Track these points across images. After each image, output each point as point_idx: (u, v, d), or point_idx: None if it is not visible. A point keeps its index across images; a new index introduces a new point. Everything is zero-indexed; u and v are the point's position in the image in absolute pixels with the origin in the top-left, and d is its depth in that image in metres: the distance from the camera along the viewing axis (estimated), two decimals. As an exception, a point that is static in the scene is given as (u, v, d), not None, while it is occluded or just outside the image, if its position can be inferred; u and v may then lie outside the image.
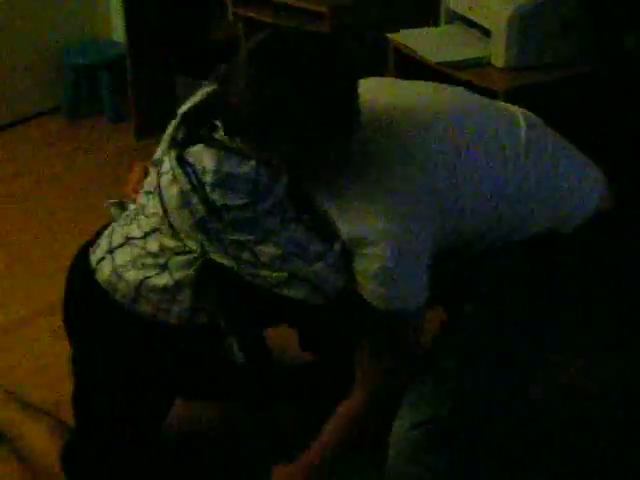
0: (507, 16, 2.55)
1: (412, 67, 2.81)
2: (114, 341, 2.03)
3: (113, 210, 2.06)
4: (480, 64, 2.66)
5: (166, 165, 1.79)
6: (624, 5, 2.59)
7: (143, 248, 1.91)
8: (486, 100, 1.91)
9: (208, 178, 1.72)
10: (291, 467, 2.01)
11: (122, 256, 1.95)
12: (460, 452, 1.87)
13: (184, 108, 1.84)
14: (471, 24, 2.81)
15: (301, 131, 1.63)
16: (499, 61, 2.62)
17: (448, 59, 2.64)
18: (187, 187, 1.74)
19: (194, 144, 1.75)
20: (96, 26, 4.46)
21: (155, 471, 2.15)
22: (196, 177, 1.73)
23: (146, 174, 2.00)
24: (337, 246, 1.76)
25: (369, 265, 1.71)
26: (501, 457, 2.11)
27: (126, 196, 2.05)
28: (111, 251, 1.97)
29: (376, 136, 1.72)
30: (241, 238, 1.75)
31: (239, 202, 1.72)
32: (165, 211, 1.81)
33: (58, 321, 2.53)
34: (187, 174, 1.73)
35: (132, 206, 2.00)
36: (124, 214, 2.02)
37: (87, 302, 2.06)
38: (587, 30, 2.63)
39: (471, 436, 1.87)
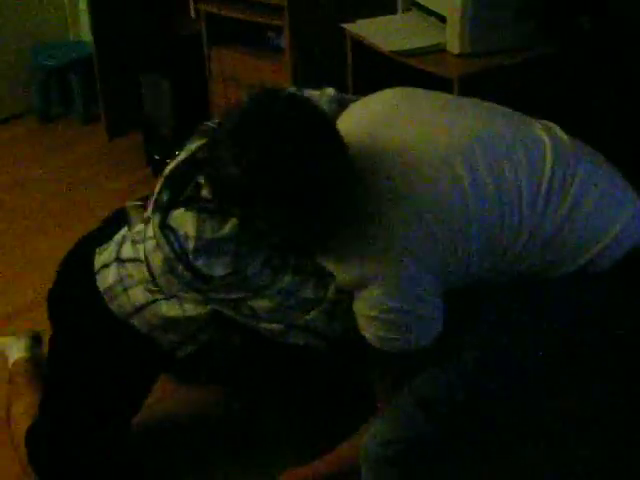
0: (461, 2, 2.53)
1: (370, 57, 2.80)
2: (99, 339, 2.03)
3: (131, 212, 2.00)
4: (436, 51, 2.64)
5: (150, 231, 1.79)
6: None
7: None
8: (509, 121, 1.78)
9: (191, 245, 1.72)
10: (304, 470, 2.05)
11: (132, 271, 1.92)
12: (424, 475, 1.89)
13: (168, 169, 1.81)
14: (428, 11, 2.79)
15: (291, 205, 1.58)
16: (454, 47, 2.60)
17: (402, 47, 2.62)
18: (171, 255, 1.75)
19: (179, 206, 1.75)
20: (65, 27, 4.46)
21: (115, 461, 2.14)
22: (179, 244, 1.74)
23: None
24: (331, 291, 1.75)
25: (364, 307, 1.68)
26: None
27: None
28: (121, 261, 1.95)
29: (368, 181, 1.65)
30: (233, 297, 1.77)
31: (223, 273, 1.72)
32: (152, 276, 1.82)
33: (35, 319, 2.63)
34: (169, 242, 1.74)
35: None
36: (137, 227, 1.94)
37: (81, 300, 2.05)
38: (541, 14, 2.61)
39: (436, 460, 1.89)
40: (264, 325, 1.81)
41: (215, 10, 3.32)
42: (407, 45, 2.63)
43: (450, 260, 1.63)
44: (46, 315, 2.51)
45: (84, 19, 4.37)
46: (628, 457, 2.22)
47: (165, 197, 1.77)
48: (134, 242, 1.92)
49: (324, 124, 1.60)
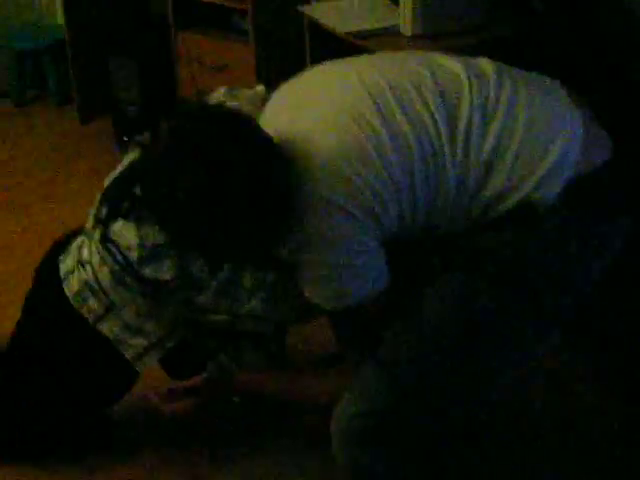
0: (412, -16, 2.56)
1: (327, 39, 2.82)
2: (69, 343, 2.07)
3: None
4: (390, 33, 2.66)
5: (93, 246, 1.85)
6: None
7: None
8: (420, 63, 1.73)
9: (135, 254, 1.78)
10: None
11: (102, 271, 1.92)
12: (392, 451, 1.79)
13: (105, 184, 1.83)
14: (382, -6, 2.82)
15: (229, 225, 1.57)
16: (407, 29, 2.62)
17: (357, 29, 2.65)
18: (116, 267, 1.81)
19: (117, 218, 1.79)
20: (40, 10, 4.47)
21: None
22: (122, 256, 1.80)
23: None
24: (270, 277, 1.80)
25: (310, 271, 1.68)
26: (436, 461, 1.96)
27: None
28: (82, 265, 1.96)
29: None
30: (182, 296, 1.83)
31: (170, 275, 1.79)
32: (104, 293, 1.88)
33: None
34: (112, 254, 1.80)
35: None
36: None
37: (53, 307, 2.07)
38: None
39: (407, 436, 1.78)
40: (212, 317, 1.88)
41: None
42: (361, 26, 2.66)
43: (378, 211, 1.63)
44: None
45: (59, 2, 4.39)
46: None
47: (104, 211, 1.80)
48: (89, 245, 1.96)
49: (249, 138, 1.59)
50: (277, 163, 1.57)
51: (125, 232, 1.79)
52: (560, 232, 1.64)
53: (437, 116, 1.62)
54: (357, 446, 1.77)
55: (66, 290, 1.99)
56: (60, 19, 4.40)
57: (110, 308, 1.95)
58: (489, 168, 1.61)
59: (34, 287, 2.16)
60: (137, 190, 1.71)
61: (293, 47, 3.22)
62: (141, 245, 1.77)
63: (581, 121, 1.66)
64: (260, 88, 1.88)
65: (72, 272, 1.99)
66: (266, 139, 1.59)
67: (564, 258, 1.66)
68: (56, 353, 2.09)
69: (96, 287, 1.93)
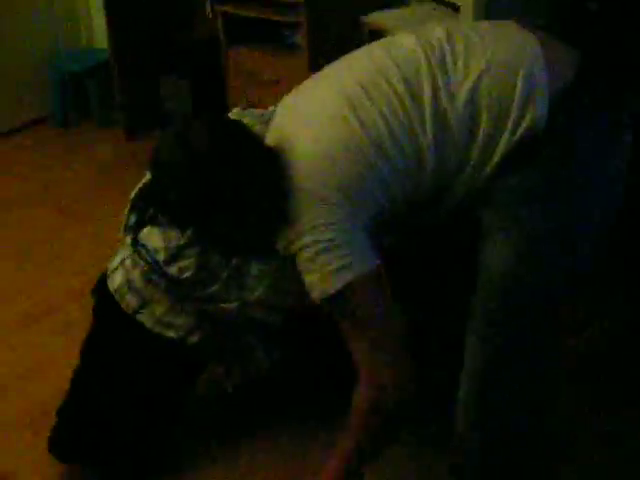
0: (473, -10, 2.67)
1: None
2: (117, 337, 2.21)
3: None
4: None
5: (126, 250, 2.10)
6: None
7: None
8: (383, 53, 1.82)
9: (161, 256, 2.02)
10: None
11: (135, 272, 2.12)
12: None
13: (133, 194, 2.09)
14: (439, 2, 2.92)
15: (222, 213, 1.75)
16: (469, 34, 2.73)
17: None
18: (146, 268, 2.05)
19: (145, 225, 2.06)
20: (78, 35, 4.58)
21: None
22: (151, 257, 2.03)
23: None
24: (273, 266, 2.01)
25: (299, 259, 1.77)
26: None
27: None
28: (124, 260, 2.14)
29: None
30: (198, 291, 2.05)
31: (189, 273, 2.01)
32: (135, 289, 2.09)
33: (52, 322, 2.82)
34: (142, 257, 2.05)
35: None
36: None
37: (103, 306, 2.22)
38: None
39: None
40: (224, 306, 2.07)
41: (231, 10, 3.44)
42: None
43: (357, 196, 1.73)
44: (60, 320, 2.82)
45: (97, 26, 4.51)
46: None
47: (132, 219, 2.08)
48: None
49: (242, 140, 1.77)
50: (271, 166, 1.75)
51: (152, 236, 2.03)
52: (567, 144, 1.71)
53: (404, 99, 1.72)
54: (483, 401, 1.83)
55: (109, 285, 2.15)
56: (98, 43, 4.53)
57: (143, 305, 2.12)
58: (470, 121, 1.69)
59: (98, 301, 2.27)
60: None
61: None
62: (166, 248, 2.01)
63: (537, 43, 1.73)
64: (271, 108, 2.02)
65: (116, 269, 2.15)
66: (256, 141, 1.79)
67: (583, 164, 1.72)
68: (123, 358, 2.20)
69: (131, 286, 2.12)
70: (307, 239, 1.73)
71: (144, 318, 2.13)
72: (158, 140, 1.78)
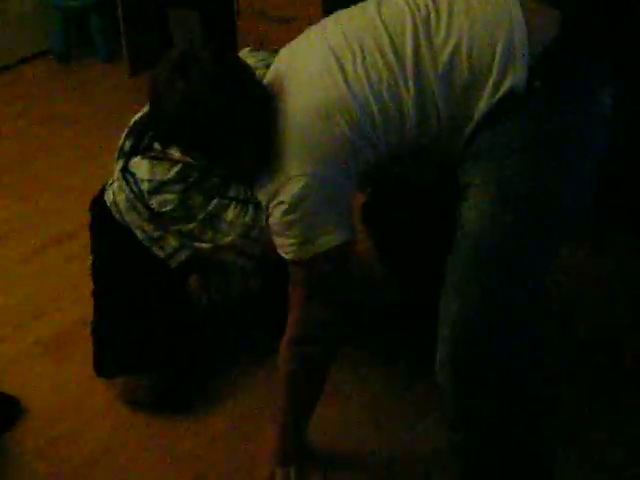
0: None
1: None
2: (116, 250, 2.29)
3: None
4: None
5: (115, 174, 2.17)
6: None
7: None
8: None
9: (145, 186, 2.10)
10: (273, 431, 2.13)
11: (119, 197, 2.19)
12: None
13: (132, 120, 2.16)
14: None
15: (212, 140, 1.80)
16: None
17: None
18: (130, 195, 2.13)
19: (139, 153, 2.12)
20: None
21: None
22: (137, 186, 2.11)
23: None
24: (248, 217, 2.10)
25: (272, 218, 1.84)
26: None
27: None
28: (119, 177, 2.19)
29: (282, 103, 1.82)
30: (182, 229, 2.14)
31: (170, 207, 2.09)
32: (120, 214, 2.17)
33: (69, 249, 2.84)
34: (129, 183, 2.12)
35: None
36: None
37: (101, 222, 2.29)
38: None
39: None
40: (198, 245, 2.16)
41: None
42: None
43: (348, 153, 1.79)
44: (77, 245, 2.85)
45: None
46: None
47: (127, 145, 2.15)
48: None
49: (239, 72, 1.82)
50: (264, 107, 1.82)
51: (140, 167, 2.10)
52: (549, 103, 1.73)
53: (388, 56, 1.76)
54: (468, 346, 1.80)
55: (106, 198, 2.21)
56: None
57: (136, 220, 2.19)
58: (449, 81, 1.73)
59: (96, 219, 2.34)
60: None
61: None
62: (150, 180, 2.08)
63: (519, 6, 1.75)
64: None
65: (112, 183, 2.20)
66: (254, 80, 1.84)
67: (563, 117, 1.74)
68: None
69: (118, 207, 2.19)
70: (291, 197, 1.78)
71: (136, 233, 2.19)
72: (159, 66, 1.79)
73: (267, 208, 1.85)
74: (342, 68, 1.78)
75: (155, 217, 2.13)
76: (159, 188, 2.08)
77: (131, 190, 2.12)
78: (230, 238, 2.13)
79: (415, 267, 2.33)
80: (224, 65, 1.78)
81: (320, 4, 3.31)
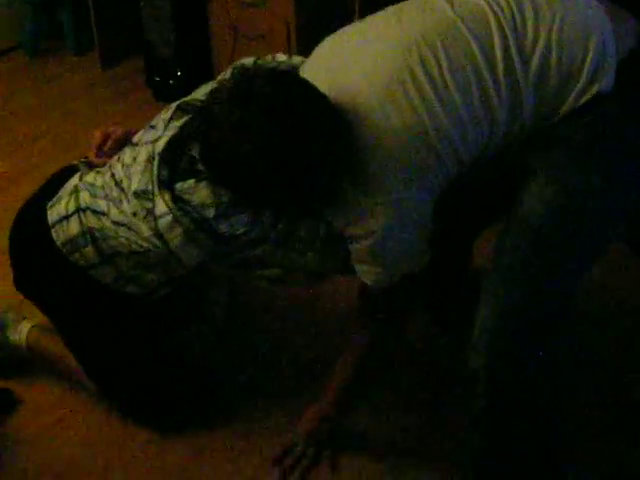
0: None
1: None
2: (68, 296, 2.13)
3: (81, 166, 2.14)
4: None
5: (161, 208, 1.81)
6: None
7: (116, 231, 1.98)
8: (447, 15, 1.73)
9: (211, 213, 1.78)
10: (312, 411, 2.15)
11: (94, 222, 2.01)
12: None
13: (160, 148, 1.85)
14: None
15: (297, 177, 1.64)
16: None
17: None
18: (192, 226, 1.80)
19: (179, 180, 1.82)
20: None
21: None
22: (198, 214, 1.79)
23: (105, 139, 2.10)
24: (322, 231, 1.87)
25: (359, 245, 1.78)
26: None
27: (91, 161, 2.13)
28: (82, 210, 2.02)
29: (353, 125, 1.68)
30: (252, 254, 1.87)
31: (245, 229, 1.80)
32: (170, 251, 1.86)
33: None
34: (188, 214, 1.79)
35: (99, 179, 2.02)
36: (88, 177, 2.07)
37: (40, 259, 2.13)
38: None
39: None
40: (264, 272, 1.94)
41: None
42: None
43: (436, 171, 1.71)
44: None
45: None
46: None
47: (166, 174, 1.82)
48: (91, 194, 2.02)
49: (315, 97, 1.65)
50: (337, 123, 1.65)
51: (197, 191, 1.79)
52: (624, 109, 1.73)
53: (480, 66, 1.67)
54: (503, 354, 1.83)
55: (55, 236, 2.05)
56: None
57: (109, 258, 2.02)
58: (539, 86, 1.68)
59: (14, 244, 2.21)
60: (194, 151, 1.79)
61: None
62: (218, 204, 1.78)
63: (604, 12, 1.73)
64: (280, 56, 1.98)
65: (69, 217, 2.03)
66: (325, 98, 1.65)
67: (636, 134, 1.76)
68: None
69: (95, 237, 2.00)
70: (382, 226, 1.71)
71: (101, 274, 2.06)
72: (212, 92, 1.67)
73: (345, 232, 1.78)
74: (428, 74, 1.65)
75: (222, 244, 1.83)
76: (228, 210, 1.79)
77: (192, 220, 1.80)
78: (307, 257, 1.90)
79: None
80: (285, 94, 1.60)
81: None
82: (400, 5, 1.81)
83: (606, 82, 1.69)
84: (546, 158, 1.76)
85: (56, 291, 2.15)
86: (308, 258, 1.90)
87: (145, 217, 1.85)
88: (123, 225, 1.93)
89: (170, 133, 1.86)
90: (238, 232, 1.80)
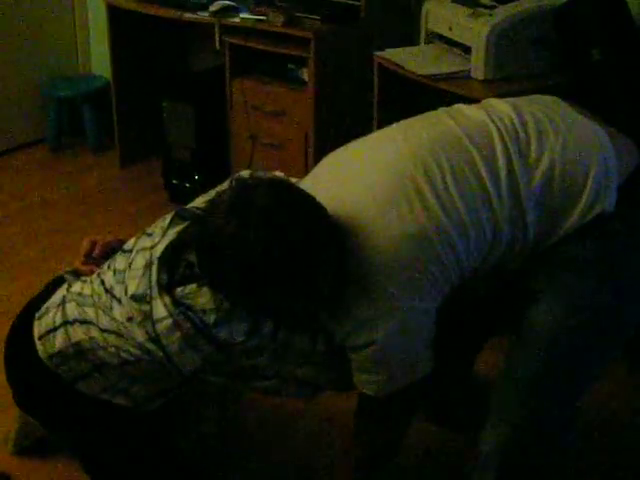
0: (486, 33, 2.79)
1: (395, 81, 3.04)
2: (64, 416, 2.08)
3: (67, 277, 2.11)
4: (461, 77, 2.88)
5: (161, 311, 1.78)
6: (589, 23, 2.84)
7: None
8: (453, 131, 1.76)
9: (212, 318, 1.75)
10: None
11: (80, 334, 1.96)
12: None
13: (159, 250, 1.84)
14: (449, 43, 3.04)
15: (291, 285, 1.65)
16: (479, 74, 2.85)
17: (432, 72, 2.87)
18: (192, 331, 1.76)
19: (177, 284, 1.80)
20: (77, 60, 4.63)
21: None
22: (199, 319, 1.76)
23: (92, 247, 2.10)
24: (320, 343, 1.85)
25: (361, 354, 1.76)
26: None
27: (78, 269, 2.10)
28: (69, 323, 1.98)
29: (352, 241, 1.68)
30: (249, 363, 1.85)
31: (243, 337, 1.77)
32: (168, 357, 1.81)
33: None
34: (189, 319, 1.76)
35: (87, 288, 1.99)
36: (75, 287, 2.04)
37: (31, 378, 2.09)
38: (557, 46, 2.88)
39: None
40: (259, 384, 1.92)
41: (241, 42, 3.52)
42: (436, 70, 2.88)
43: (441, 284, 1.71)
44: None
45: (94, 53, 4.58)
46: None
47: (165, 278, 1.80)
48: (79, 304, 1.99)
49: (313, 207, 1.67)
50: (335, 233, 1.66)
51: (199, 296, 1.77)
52: (629, 228, 1.77)
53: (483, 177, 1.69)
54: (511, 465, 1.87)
55: (42, 349, 2.01)
56: (95, 69, 4.59)
57: (96, 368, 1.98)
58: (541, 205, 1.70)
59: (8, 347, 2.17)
60: (192, 257, 1.79)
61: (353, 95, 3.44)
62: (218, 309, 1.76)
63: (607, 138, 1.77)
64: (279, 173, 1.94)
65: (56, 329, 2.00)
66: (323, 209, 1.67)
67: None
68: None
69: (90, 346, 1.94)
70: (384, 336, 1.70)
71: (88, 386, 2.01)
72: (211, 202, 1.70)
73: (346, 343, 1.76)
74: (432, 185, 1.66)
75: (220, 352, 1.79)
76: (228, 316, 1.76)
77: (193, 324, 1.76)
78: (304, 369, 1.90)
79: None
80: (283, 204, 1.62)
81: (312, 100, 3.42)
82: (407, 121, 1.84)
83: (609, 202, 1.72)
84: (553, 276, 1.79)
85: (47, 407, 2.11)
86: (305, 370, 1.90)
87: (141, 322, 1.80)
88: (113, 333, 1.89)
89: (168, 240, 1.85)
90: (237, 340, 1.77)
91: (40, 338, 2.02)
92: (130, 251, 1.92)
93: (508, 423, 1.84)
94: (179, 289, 1.78)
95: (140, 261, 1.85)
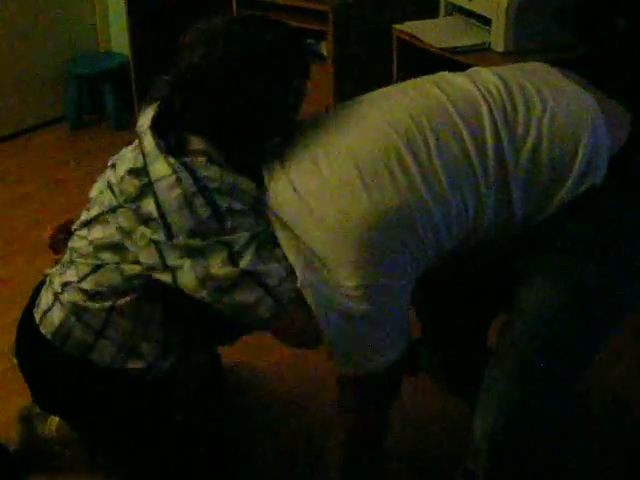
0: (506, 3, 2.73)
1: (414, 54, 2.99)
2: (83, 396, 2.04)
3: (50, 270, 2.10)
4: (481, 49, 2.83)
5: (163, 170, 1.74)
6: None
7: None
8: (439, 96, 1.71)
9: (215, 185, 1.75)
10: None
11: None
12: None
13: (146, 122, 1.84)
14: (469, 14, 2.98)
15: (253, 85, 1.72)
16: (499, 46, 2.80)
17: (451, 45, 2.81)
18: (192, 189, 1.73)
19: (185, 156, 1.78)
20: (97, 39, 4.62)
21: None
22: (202, 183, 1.74)
23: (53, 232, 2.15)
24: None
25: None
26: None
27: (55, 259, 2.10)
28: (58, 294, 1.97)
29: None
30: (235, 237, 1.76)
31: (241, 207, 1.75)
32: (162, 214, 1.75)
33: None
34: (193, 176, 1.74)
35: (65, 257, 2.01)
36: (56, 268, 2.04)
37: (45, 368, 2.05)
38: (581, 15, 2.81)
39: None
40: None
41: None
42: (456, 43, 2.82)
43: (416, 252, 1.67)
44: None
45: (114, 32, 4.56)
46: None
47: (162, 144, 1.78)
48: (61, 274, 1.98)
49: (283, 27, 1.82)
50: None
51: (205, 167, 1.76)
52: (620, 203, 1.71)
53: (469, 149, 1.64)
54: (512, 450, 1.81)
55: (44, 330, 1.99)
56: (115, 47, 4.57)
57: (100, 332, 1.94)
58: (529, 178, 1.65)
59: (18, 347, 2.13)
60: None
61: (373, 69, 3.38)
62: (222, 181, 1.75)
63: (597, 105, 1.70)
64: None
65: (50, 309, 1.98)
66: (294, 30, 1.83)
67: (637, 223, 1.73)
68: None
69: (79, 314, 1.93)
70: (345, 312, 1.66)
71: (99, 356, 1.96)
72: (185, 35, 1.83)
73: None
74: (415, 155, 1.62)
75: (214, 220, 1.73)
76: (232, 190, 1.76)
77: (195, 183, 1.73)
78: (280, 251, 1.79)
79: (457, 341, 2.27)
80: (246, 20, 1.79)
81: (332, 75, 3.37)
82: (389, 88, 1.81)
83: (599, 175, 1.66)
84: (543, 256, 1.73)
85: (65, 393, 2.06)
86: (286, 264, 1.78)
87: (135, 199, 1.79)
88: (107, 248, 1.88)
89: (150, 114, 1.87)
90: (235, 208, 1.74)
91: (40, 322, 1.99)
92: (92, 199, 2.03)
93: (497, 408, 1.78)
94: (187, 158, 1.77)
95: (124, 160, 1.88)
